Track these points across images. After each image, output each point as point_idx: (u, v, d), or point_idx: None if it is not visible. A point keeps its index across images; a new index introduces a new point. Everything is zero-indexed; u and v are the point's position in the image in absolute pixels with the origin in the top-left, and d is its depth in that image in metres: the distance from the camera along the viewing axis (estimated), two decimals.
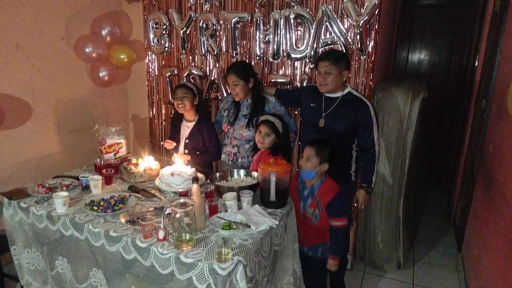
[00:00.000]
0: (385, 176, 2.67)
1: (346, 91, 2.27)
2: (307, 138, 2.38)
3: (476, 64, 3.49)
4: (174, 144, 2.69)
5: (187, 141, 2.66)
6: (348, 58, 2.30)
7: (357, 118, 2.21)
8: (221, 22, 2.90)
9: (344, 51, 2.51)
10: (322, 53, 2.51)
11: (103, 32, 3.09)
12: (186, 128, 2.68)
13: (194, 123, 2.65)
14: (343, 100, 2.25)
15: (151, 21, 3.19)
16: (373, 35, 2.45)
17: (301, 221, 2.09)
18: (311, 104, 2.36)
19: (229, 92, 2.83)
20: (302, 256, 2.12)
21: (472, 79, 3.66)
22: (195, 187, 1.77)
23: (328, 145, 2.00)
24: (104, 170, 2.30)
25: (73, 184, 2.24)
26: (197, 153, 2.64)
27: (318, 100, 2.32)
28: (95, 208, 1.89)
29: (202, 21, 2.96)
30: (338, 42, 2.53)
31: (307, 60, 2.66)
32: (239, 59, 2.90)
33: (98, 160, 2.45)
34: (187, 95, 2.56)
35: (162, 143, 2.81)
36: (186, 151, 2.67)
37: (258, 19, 2.74)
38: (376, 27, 2.43)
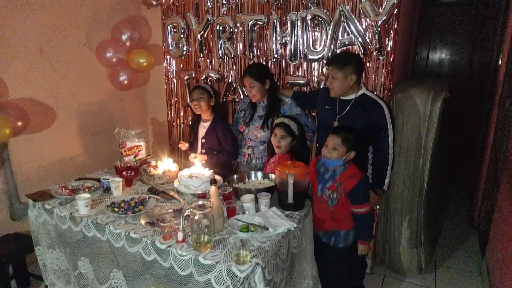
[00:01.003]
0: (405, 178, 2.63)
1: (360, 92, 2.23)
2: (322, 140, 2.37)
3: (500, 62, 3.39)
4: (187, 145, 2.76)
5: (203, 140, 2.69)
6: (358, 60, 2.21)
7: (371, 120, 2.17)
8: (238, 24, 2.91)
9: (362, 51, 2.48)
10: (330, 57, 2.50)
11: (123, 37, 3.15)
12: (203, 128, 2.72)
13: (209, 122, 2.68)
14: (357, 102, 2.22)
15: (169, 25, 3.24)
16: (392, 35, 2.41)
17: (317, 205, 2.07)
18: (326, 106, 2.34)
19: (246, 94, 2.84)
20: (317, 242, 2.10)
21: (495, 78, 3.56)
22: (213, 189, 1.78)
23: (352, 131, 1.97)
24: (124, 172, 2.34)
25: (95, 186, 2.29)
26: (214, 152, 2.66)
27: (333, 102, 2.30)
28: (116, 209, 1.92)
29: (219, 24, 2.98)
30: (356, 43, 2.51)
31: (324, 61, 2.64)
32: (256, 61, 2.91)
33: (118, 162, 2.50)
34: (203, 96, 2.60)
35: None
36: (203, 150, 2.70)
37: (275, 21, 2.74)
38: (395, 26, 2.39)
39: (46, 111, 2.85)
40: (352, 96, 2.23)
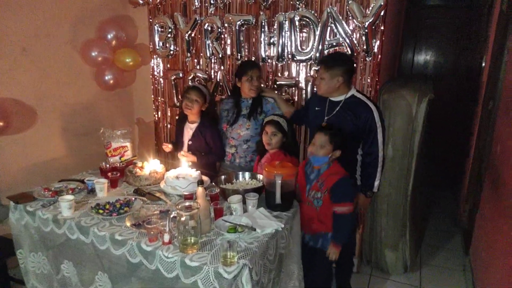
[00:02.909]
0: (391, 178, 2.65)
1: (349, 94, 2.22)
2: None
3: (483, 64, 3.46)
4: (170, 146, 2.72)
5: (190, 142, 2.67)
6: (348, 63, 2.19)
7: (360, 122, 2.16)
8: (226, 25, 2.90)
9: (350, 52, 2.50)
10: (322, 56, 2.54)
11: (109, 36, 3.11)
12: (189, 130, 2.69)
13: (196, 124, 2.66)
14: (346, 104, 2.21)
15: (156, 25, 3.21)
16: (378, 36, 2.43)
17: (305, 207, 2.07)
18: (316, 108, 2.34)
19: (248, 89, 2.67)
20: (304, 247, 2.10)
21: (479, 80, 3.63)
22: (200, 190, 1.76)
23: (339, 131, 2.00)
24: (109, 174, 2.30)
25: (79, 187, 2.24)
26: (202, 154, 2.64)
27: (323, 104, 2.30)
28: (101, 211, 1.89)
29: (207, 24, 2.96)
30: (343, 44, 2.52)
31: (312, 62, 2.65)
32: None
33: (103, 163, 2.46)
34: (199, 100, 2.57)
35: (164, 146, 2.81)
36: (190, 152, 2.67)
37: (263, 21, 2.74)
38: (382, 28, 2.42)
39: (29, 111, 2.78)
40: (341, 98, 2.23)
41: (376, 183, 2.25)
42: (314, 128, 2.40)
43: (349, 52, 2.50)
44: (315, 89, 2.64)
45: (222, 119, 2.75)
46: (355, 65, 2.48)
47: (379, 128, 2.17)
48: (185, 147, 2.71)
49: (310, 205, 2.04)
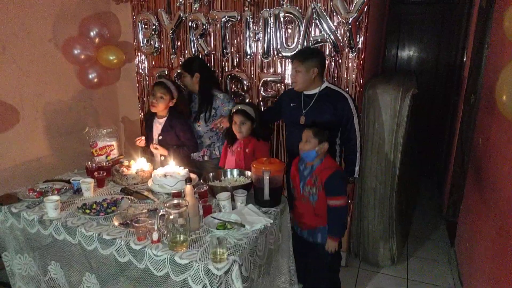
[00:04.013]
0: (377, 172, 2.69)
1: (323, 86, 2.30)
2: (291, 136, 2.41)
3: (465, 59, 3.53)
4: (143, 138, 2.71)
5: (160, 137, 2.64)
6: (320, 55, 2.29)
7: (337, 111, 2.24)
8: (210, 21, 2.88)
9: (334, 48, 2.52)
10: (294, 52, 2.56)
11: (91, 34, 3.05)
12: (158, 125, 2.66)
13: (165, 119, 2.63)
14: (321, 96, 2.28)
15: (140, 22, 3.17)
16: (362, 32, 2.46)
17: (300, 202, 2.09)
18: (291, 104, 2.39)
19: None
20: (302, 242, 2.12)
21: (460, 75, 3.70)
22: (188, 188, 1.76)
23: (323, 127, 2.04)
24: (96, 173, 2.27)
25: (65, 187, 2.21)
26: (174, 147, 2.62)
27: (297, 99, 2.36)
28: (88, 211, 1.87)
29: (191, 21, 2.95)
30: (327, 40, 2.54)
31: None
32: (229, 59, 2.91)
33: (89, 163, 2.43)
34: (164, 97, 2.53)
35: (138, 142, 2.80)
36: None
37: (248, 18, 2.73)
38: (366, 24, 2.44)
39: (10, 111, 2.72)
40: (316, 90, 2.30)
41: (357, 168, 2.33)
42: (291, 123, 2.45)
43: (334, 48, 2.53)
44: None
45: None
46: (339, 61, 2.52)
47: (355, 116, 2.26)
48: (155, 142, 2.68)
49: (306, 201, 2.06)
